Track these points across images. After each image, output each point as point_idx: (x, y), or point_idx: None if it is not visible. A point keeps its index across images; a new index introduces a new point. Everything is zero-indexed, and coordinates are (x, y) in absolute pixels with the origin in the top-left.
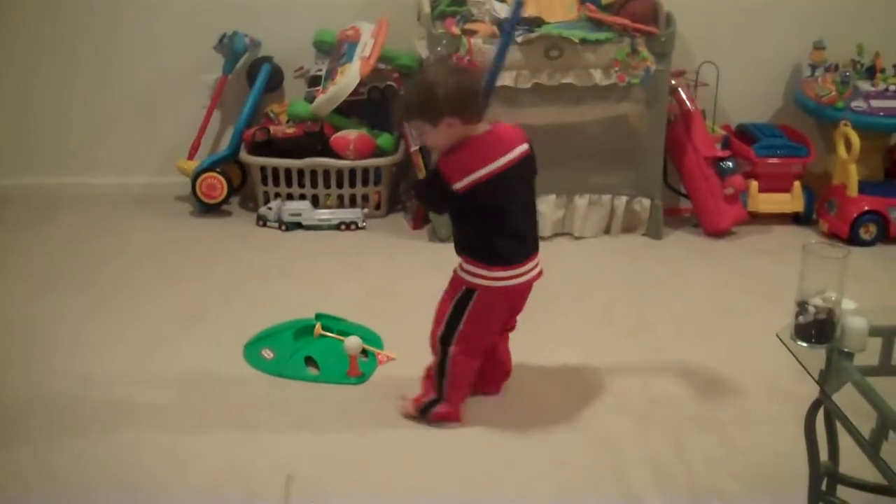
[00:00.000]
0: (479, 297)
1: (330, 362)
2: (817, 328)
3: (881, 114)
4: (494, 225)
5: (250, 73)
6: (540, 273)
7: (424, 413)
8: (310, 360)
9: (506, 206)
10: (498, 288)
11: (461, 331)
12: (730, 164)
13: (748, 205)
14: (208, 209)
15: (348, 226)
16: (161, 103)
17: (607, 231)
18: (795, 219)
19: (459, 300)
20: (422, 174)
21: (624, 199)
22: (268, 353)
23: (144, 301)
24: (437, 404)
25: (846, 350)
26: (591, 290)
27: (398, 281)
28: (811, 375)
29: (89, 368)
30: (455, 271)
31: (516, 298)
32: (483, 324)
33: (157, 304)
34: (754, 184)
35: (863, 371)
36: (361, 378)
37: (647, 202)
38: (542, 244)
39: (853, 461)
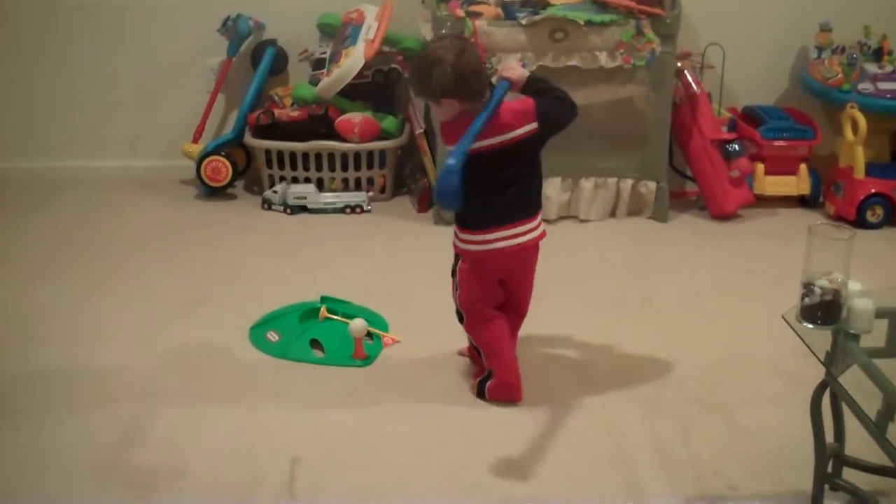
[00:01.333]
0: (464, 261)
1: (335, 345)
2: (823, 310)
3: (888, 96)
4: (466, 192)
5: (254, 56)
6: (527, 243)
7: (482, 392)
8: (315, 343)
9: (481, 181)
10: (475, 252)
11: (461, 298)
12: (736, 146)
13: (754, 187)
14: (213, 192)
15: (353, 209)
16: (165, 86)
17: (613, 214)
18: (802, 201)
19: (455, 267)
20: (427, 157)
21: (629, 182)
22: (273, 336)
23: (149, 284)
24: (489, 380)
25: (852, 331)
26: (596, 273)
27: (403, 264)
28: (817, 357)
29: (92, 352)
30: None
31: (500, 264)
32: (474, 289)
33: (162, 287)
34: (760, 166)
35: (869, 353)
36: (367, 360)
37: (652, 185)
38: (547, 227)
39: (859, 443)
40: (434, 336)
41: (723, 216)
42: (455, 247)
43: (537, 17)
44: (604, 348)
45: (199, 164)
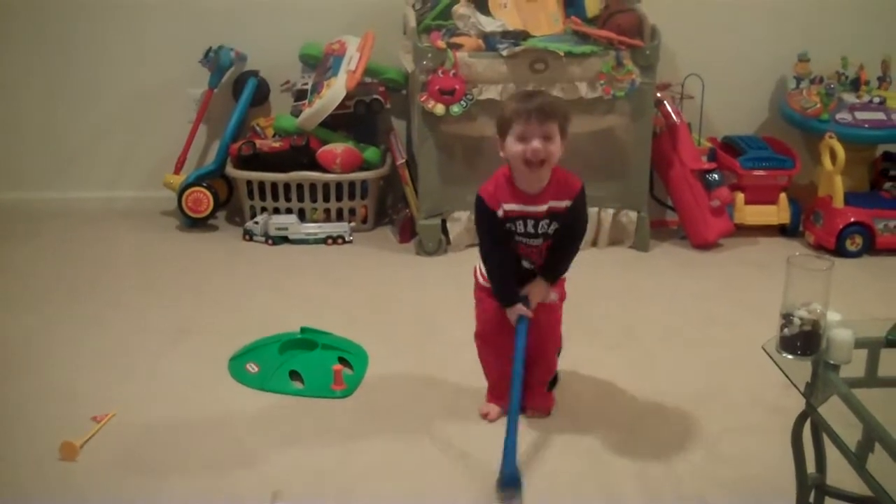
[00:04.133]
0: (476, 289)
1: (314, 376)
2: (803, 340)
3: (866, 126)
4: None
5: (236, 86)
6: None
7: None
8: (294, 374)
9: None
10: (481, 285)
11: (476, 314)
12: (716, 176)
13: (734, 217)
14: (195, 223)
15: (335, 240)
16: (147, 117)
17: (594, 243)
18: (782, 231)
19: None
20: (409, 187)
21: (611, 211)
22: (252, 367)
23: (130, 316)
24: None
25: (832, 362)
26: (578, 303)
27: (385, 295)
28: (797, 388)
29: (75, 383)
30: None
31: (496, 308)
32: (481, 313)
33: (143, 318)
34: (740, 196)
35: (849, 383)
36: (346, 391)
37: (633, 215)
38: None
39: (841, 473)
40: (415, 366)
41: (703, 245)
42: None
43: (518, 49)
44: (586, 376)
45: (180, 195)
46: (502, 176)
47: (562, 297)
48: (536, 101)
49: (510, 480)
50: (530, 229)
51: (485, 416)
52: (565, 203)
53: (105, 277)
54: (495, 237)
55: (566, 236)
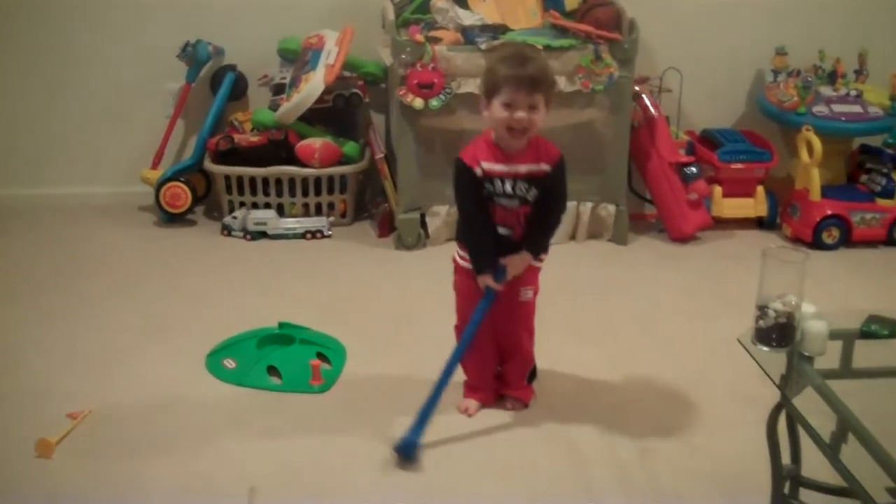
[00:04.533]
0: (455, 273)
1: (292, 371)
2: (778, 332)
3: (843, 118)
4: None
5: (214, 81)
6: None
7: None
8: (272, 370)
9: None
10: (461, 267)
11: (456, 304)
12: (693, 169)
13: (712, 210)
14: (172, 219)
15: (314, 234)
16: (124, 112)
17: (573, 237)
18: (759, 223)
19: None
20: (388, 181)
21: (589, 205)
22: (230, 363)
23: (107, 312)
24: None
25: (806, 354)
26: (556, 296)
27: (363, 289)
28: (772, 380)
29: (50, 380)
30: None
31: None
32: (461, 301)
33: (120, 314)
34: (718, 189)
35: (823, 374)
36: (324, 386)
37: (612, 208)
38: None
39: (816, 464)
40: (393, 361)
41: (681, 238)
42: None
43: (496, 42)
44: (564, 369)
45: (157, 190)
46: (482, 139)
47: (535, 291)
48: (528, 69)
49: (406, 448)
50: (508, 189)
51: (464, 411)
52: (545, 167)
53: (81, 273)
54: (475, 199)
55: (545, 207)
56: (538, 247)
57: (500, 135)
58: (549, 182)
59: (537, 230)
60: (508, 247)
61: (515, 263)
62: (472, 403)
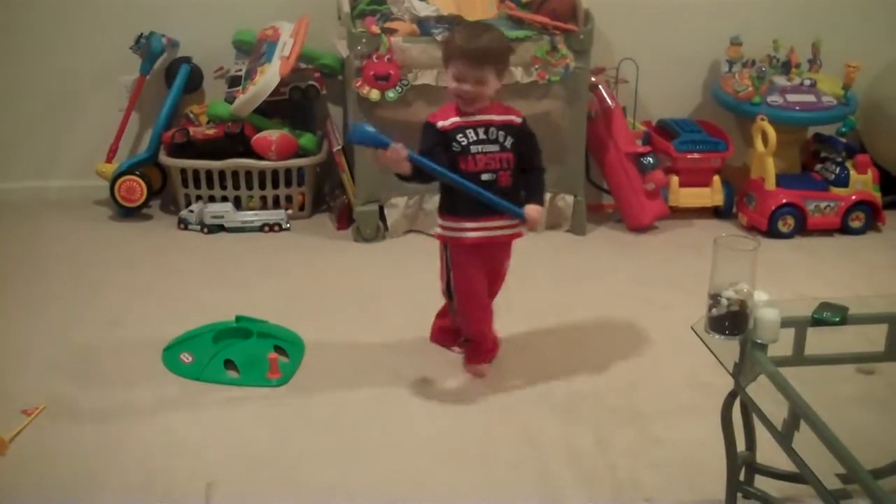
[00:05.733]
0: (452, 250)
1: (250, 365)
2: (731, 320)
3: (797, 108)
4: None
5: (169, 73)
6: (503, 237)
7: (466, 346)
8: (229, 364)
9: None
10: (455, 238)
11: (453, 282)
12: (650, 159)
13: (669, 200)
14: (128, 213)
15: (272, 227)
16: (77, 105)
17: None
18: (716, 212)
19: (444, 255)
20: (345, 174)
21: (547, 195)
22: (186, 357)
23: (61, 307)
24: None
25: (759, 341)
26: (514, 286)
27: (322, 282)
28: (725, 367)
29: (3, 377)
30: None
31: (480, 252)
32: (464, 275)
33: (75, 309)
34: (675, 179)
35: (776, 361)
36: (282, 379)
37: (570, 199)
38: None
39: (771, 450)
40: (352, 353)
41: (639, 228)
42: (438, 235)
43: None
44: (521, 358)
45: (112, 184)
46: (450, 104)
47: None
48: (476, 44)
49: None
50: (482, 135)
51: (482, 373)
52: (510, 117)
53: (35, 268)
54: (431, 147)
55: (529, 155)
56: (539, 196)
57: (455, 102)
58: (525, 131)
59: (537, 179)
60: (495, 192)
61: (534, 217)
62: (484, 367)
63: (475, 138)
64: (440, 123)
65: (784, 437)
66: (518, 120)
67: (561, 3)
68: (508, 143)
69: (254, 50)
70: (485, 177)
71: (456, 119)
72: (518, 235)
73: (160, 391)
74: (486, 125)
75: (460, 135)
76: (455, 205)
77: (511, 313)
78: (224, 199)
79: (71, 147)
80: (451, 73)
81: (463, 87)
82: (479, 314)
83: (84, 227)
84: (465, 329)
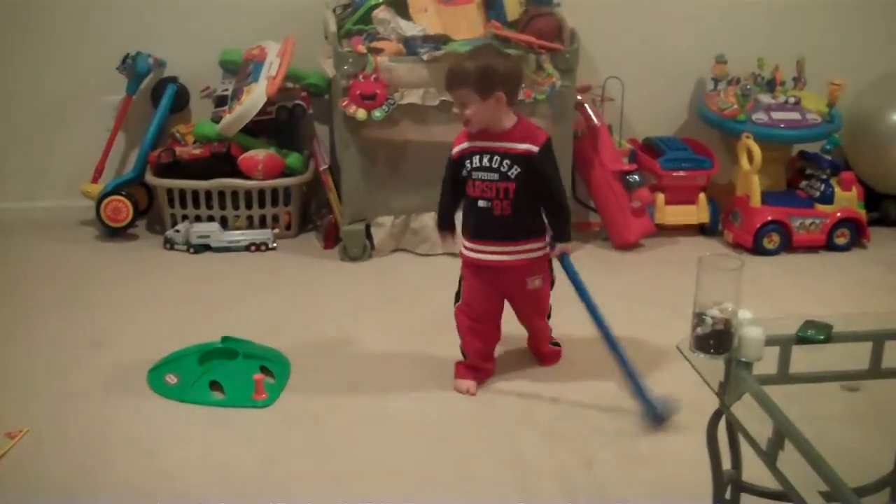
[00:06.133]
0: (462, 264)
1: (235, 386)
2: (715, 339)
3: (782, 126)
4: (464, 194)
5: (155, 93)
6: (503, 263)
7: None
8: (215, 385)
9: (468, 180)
10: (465, 257)
11: (462, 291)
12: (636, 177)
13: (655, 217)
14: (114, 233)
15: (258, 247)
16: (64, 125)
17: None
18: (702, 230)
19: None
20: (332, 193)
21: None
22: (171, 379)
23: (46, 328)
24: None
25: (744, 360)
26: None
27: (309, 302)
28: (710, 387)
29: None
30: None
31: (487, 275)
32: (468, 288)
33: (61, 330)
34: (661, 196)
35: (761, 380)
36: (267, 401)
37: None
38: (453, 259)
39: (757, 468)
40: (338, 373)
41: (625, 246)
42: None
43: (438, 53)
44: (507, 377)
45: (98, 204)
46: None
47: (546, 279)
48: (449, 72)
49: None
50: (485, 163)
51: (466, 391)
52: (525, 146)
53: (20, 289)
54: (450, 178)
55: (544, 191)
56: (565, 229)
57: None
58: (540, 160)
59: (555, 212)
60: (488, 218)
61: (560, 249)
62: (471, 384)
63: (478, 165)
64: (453, 151)
65: (769, 456)
66: (534, 149)
67: (546, 22)
68: (513, 172)
69: (240, 70)
70: (481, 203)
71: (465, 145)
72: (521, 264)
73: (145, 413)
74: (492, 152)
75: (468, 160)
76: (465, 224)
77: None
78: (210, 218)
79: (57, 167)
80: None
81: (454, 111)
82: (470, 326)
83: (70, 248)
84: (460, 340)
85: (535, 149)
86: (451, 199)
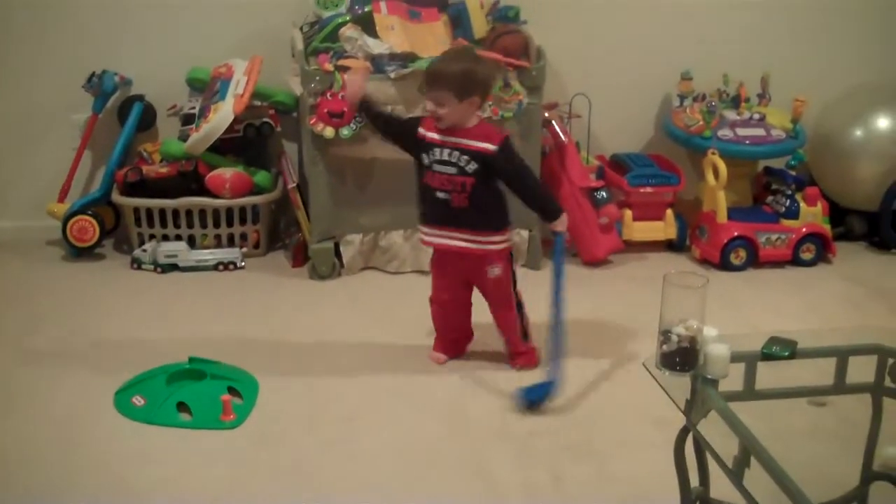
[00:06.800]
0: (431, 259)
1: (203, 407)
2: (681, 356)
3: (747, 142)
4: (419, 182)
5: (122, 111)
6: (453, 248)
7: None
8: (182, 406)
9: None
10: (425, 242)
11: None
12: (603, 193)
13: (623, 233)
14: (80, 253)
15: (227, 266)
16: (29, 144)
17: None
18: (669, 246)
19: None
20: (300, 211)
21: None
22: (138, 401)
23: (8, 350)
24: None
25: (710, 377)
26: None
27: (277, 320)
28: (676, 404)
29: None
30: None
31: (450, 262)
32: (435, 277)
33: (26, 352)
34: (628, 213)
35: (727, 397)
36: (235, 422)
37: (525, 233)
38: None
39: (725, 484)
40: (307, 393)
41: (593, 262)
42: None
43: (406, 71)
44: (475, 392)
45: (64, 224)
46: None
47: (504, 268)
48: (431, 69)
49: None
50: (445, 156)
51: (437, 360)
52: (484, 144)
53: None
54: (402, 122)
55: (514, 180)
56: (547, 212)
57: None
58: (499, 160)
59: (530, 201)
60: (446, 210)
61: (561, 230)
62: (440, 357)
63: (438, 158)
64: (421, 130)
65: (735, 474)
66: (491, 148)
67: (513, 40)
68: (471, 167)
69: (207, 88)
70: (440, 194)
71: (433, 135)
72: (479, 252)
73: (111, 435)
74: (453, 148)
75: (430, 150)
76: (423, 211)
77: (475, 346)
78: (178, 237)
79: (22, 187)
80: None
81: (428, 108)
82: (437, 307)
83: (35, 268)
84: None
85: (492, 147)
86: (394, 120)
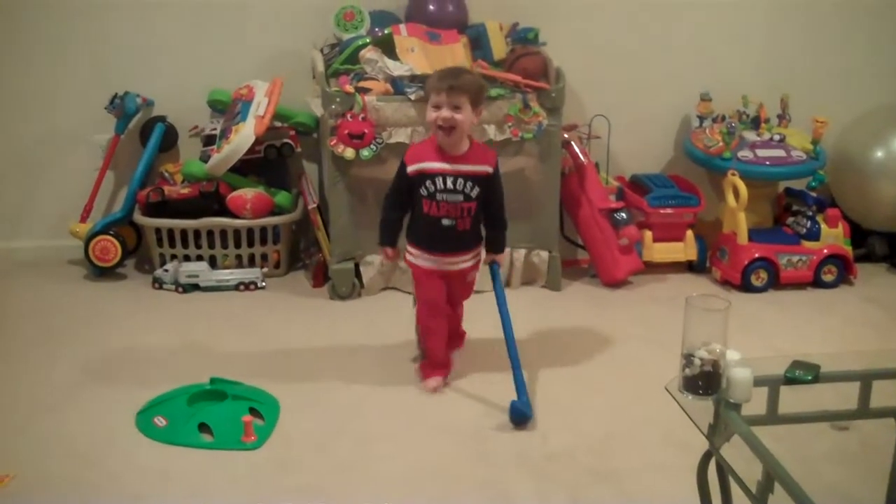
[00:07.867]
0: (413, 272)
1: (224, 428)
2: (704, 380)
3: (767, 163)
4: (417, 209)
5: (144, 132)
6: (462, 270)
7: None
8: (204, 427)
9: (427, 199)
10: (414, 265)
11: (416, 295)
12: (623, 215)
13: (643, 255)
14: (102, 273)
15: (247, 286)
16: (52, 165)
17: (507, 283)
18: (690, 267)
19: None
20: (321, 231)
21: (522, 251)
22: (160, 421)
23: (34, 369)
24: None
25: (732, 401)
26: (491, 343)
27: (298, 341)
28: (699, 428)
29: None
30: None
31: (439, 280)
32: (425, 290)
33: (48, 371)
34: (648, 234)
35: (750, 421)
36: (256, 443)
37: (545, 254)
38: None
39: None
40: (327, 414)
41: (614, 283)
42: (406, 260)
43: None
44: (496, 417)
45: (87, 243)
46: (429, 141)
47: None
48: (451, 75)
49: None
50: (449, 185)
51: (433, 389)
52: (483, 167)
53: (7, 329)
54: (397, 187)
55: (494, 206)
56: (502, 243)
57: (436, 135)
58: (493, 180)
59: (499, 223)
60: (452, 235)
61: (500, 259)
62: (439, 381)
63: (442, 187)
64: (409, 168)
65: (758, 499)
66: (489, 170)
67: (532, 61)
68: (474, 193)
69: (228, 109)
70: (445, 222)
71: (424, 165)
72: (476, 266)
73: (133, 456)
74: (456, 175)
75: (429, 181)
76: (420, 237)
77: (486, 370)
78: (199, 258)
79: (45, 207)
80: (430, 106)
81: (443, 114)
82: (433, 324)
83: (57, 288)
84: (422, 342)
85: (490, 169)
86: (398, 215)
